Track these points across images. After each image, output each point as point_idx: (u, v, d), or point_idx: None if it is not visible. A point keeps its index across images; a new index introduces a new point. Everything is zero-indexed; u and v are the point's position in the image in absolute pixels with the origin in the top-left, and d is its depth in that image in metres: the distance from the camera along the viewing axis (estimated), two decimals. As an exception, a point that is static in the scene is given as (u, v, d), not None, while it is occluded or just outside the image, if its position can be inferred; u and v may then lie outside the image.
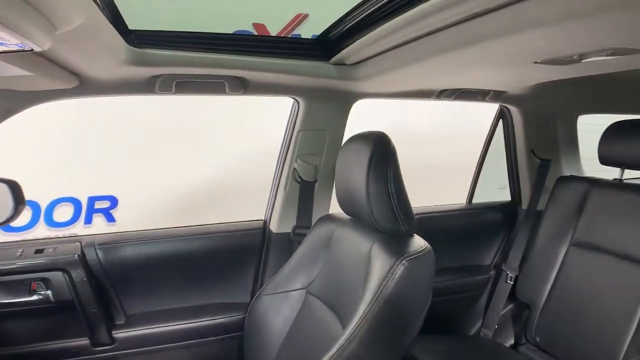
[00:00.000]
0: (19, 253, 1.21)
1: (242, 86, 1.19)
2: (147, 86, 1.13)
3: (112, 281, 1.33)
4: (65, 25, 0.62)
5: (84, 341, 1.28)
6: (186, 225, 1.45)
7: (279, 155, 1.50)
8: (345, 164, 1.08)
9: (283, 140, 1.47)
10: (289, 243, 1.44)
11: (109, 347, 1.30)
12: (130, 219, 2.85)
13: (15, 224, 2.73)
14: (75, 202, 2.86)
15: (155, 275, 1.38)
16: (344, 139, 1.31)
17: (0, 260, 1.19)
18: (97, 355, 1.30)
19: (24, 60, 0.74)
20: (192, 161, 2.98)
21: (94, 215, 2.92)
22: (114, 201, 2.94)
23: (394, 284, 0.86)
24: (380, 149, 0.98)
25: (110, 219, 2.97)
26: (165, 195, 2.95)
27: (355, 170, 1.01)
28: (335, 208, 1.36)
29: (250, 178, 2.74)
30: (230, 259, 1.46)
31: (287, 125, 1.45)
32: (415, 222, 1.01)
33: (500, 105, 1.75)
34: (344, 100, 1.40)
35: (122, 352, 1.32)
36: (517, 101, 1.63)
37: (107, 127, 2.81)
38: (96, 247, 1.30)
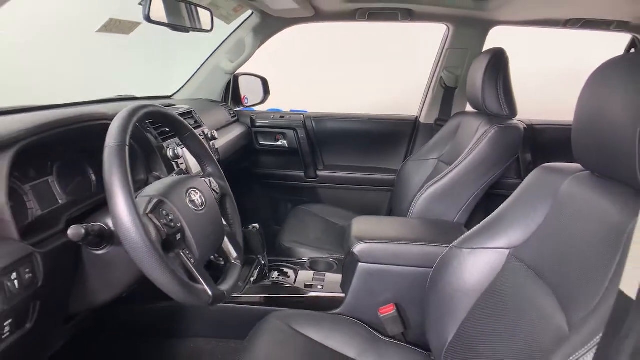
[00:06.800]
0: (272, 117, 2.14)
1: (409, 15, 1.82)
2: (350, 16, 1.85)
3: (319, 141, 2.19)
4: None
5: (300, 173, 2.19)
6: (363, 113, 2.20)
7: (432, 68, 2.09)
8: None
9: (436, 57, 2.06)
10: (431, 131, 2.07)
11: (314, 179, 2.18)
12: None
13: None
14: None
15: (342, 141, 2.19)
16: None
17: (263, 120, 2.14)
18: (306, 184, 2.19)
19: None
20: (368, 88, 3.65)
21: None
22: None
23: None
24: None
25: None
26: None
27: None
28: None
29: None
30: (388, 137, 2.16)
31: (440, 46, 2.02)
32: None
33: (632, 36, 1.97)
34: (482, 27, 1.90)
35: (320, 184, 2.19)
36: None
37: (311, 58, 3.66)
38: (312, 119, 2.15)
